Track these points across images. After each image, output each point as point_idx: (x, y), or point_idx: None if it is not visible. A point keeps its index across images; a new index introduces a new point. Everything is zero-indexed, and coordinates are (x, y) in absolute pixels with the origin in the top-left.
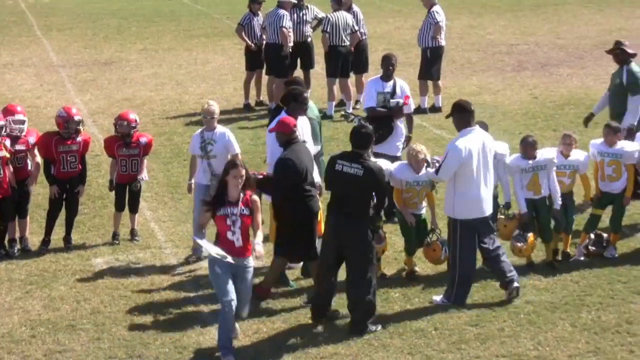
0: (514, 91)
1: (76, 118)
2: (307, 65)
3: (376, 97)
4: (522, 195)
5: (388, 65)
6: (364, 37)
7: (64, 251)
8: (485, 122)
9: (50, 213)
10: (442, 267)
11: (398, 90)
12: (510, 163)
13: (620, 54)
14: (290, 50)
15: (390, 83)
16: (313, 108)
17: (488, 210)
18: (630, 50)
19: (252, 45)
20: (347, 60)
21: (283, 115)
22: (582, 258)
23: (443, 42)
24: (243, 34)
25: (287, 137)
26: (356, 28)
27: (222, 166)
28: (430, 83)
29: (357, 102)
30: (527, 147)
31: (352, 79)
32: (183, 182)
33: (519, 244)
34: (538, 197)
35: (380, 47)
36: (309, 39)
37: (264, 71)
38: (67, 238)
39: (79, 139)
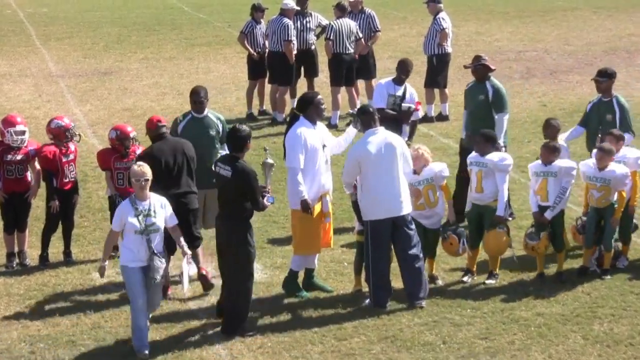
0: (523, 99)
1: (72, 125)
2: (311, 73)
3: (387, 98)
4: (532, 196)
5: (404, 70)
6: (378, 33)
7: (63, 265)
8: (492, 131)
9: (49, 228)
10: (454, 278)
11: (408, 96)
12: (530, 165)
13: (481, 69)
14: (294, 59)
15: (402, 88)
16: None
17: (400, 210)
18: (492, 66)
19: (255, 53)
20: (351, 68)
21: (302, 120)
22: (593, 269)
23: (449, 49)
24: (245, 42)
25: (153, 133)
26: (360, 35)
27: (161, 241)
28: (436, 91)
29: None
30: (545, 151)
31: (361, 84)
32: None
33: (531, 242)
34: (544, 203)
35: (385, 55)
36: (313, 47)
37: (266, 80)
38: (66, 252)
39: (72, 146)
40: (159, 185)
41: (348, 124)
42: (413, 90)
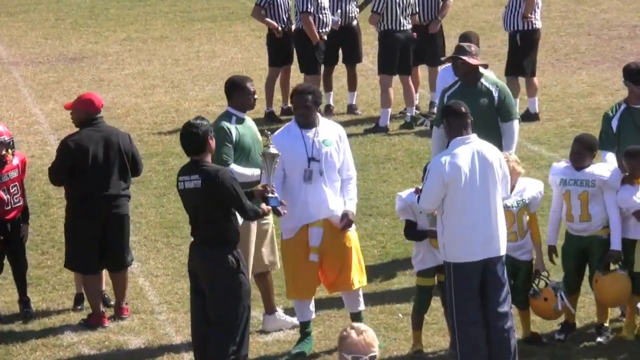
0: None
1: (2, 139)
2: (352, 57)
3: None
4: None
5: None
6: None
7: (19, 319)
8: (592, 135)
9: None
10: (546, 331)
11: None
12: None
13: (463, 67)
14: (326, 37)
15: None
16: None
17: (494, 250)
18: (472, 61)
19: (278, 30)
20: (407, 49)
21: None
22: None
23: (539, 24)
24: (263, 16)
25: (85, 116)
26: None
27: None
28: (522, 80)
29: (431, 104)
30: None
31: (423, 73)
32: (182, 220)
33: None
34: None
35: (453, 32)
36: (354, 22)
37: (293, 67)
38: (22, 300)
39: (15, 161)
40: (82, 185)
41: (412, 118)
42: (489, 73)
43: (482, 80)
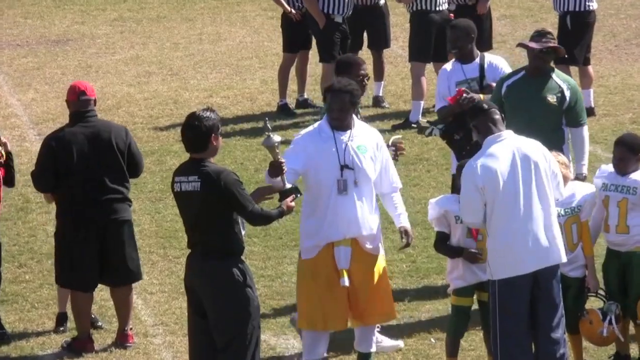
0: None
1: None
2: (379, 42)
3: (455, 89)
4: None
5: (451, 39)
6: None
7: None
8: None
9: None
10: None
11: (488, 73)
12: None
13: (553, 53)
14: (340, 20)
15: (474, 64)
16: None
17: (546, 258)
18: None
19: (293, 12)
20: (443, 33)
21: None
22: None
23: (594, 5)
24: None
25: (71, 108)
26: None
27: None
28: (574, 70)
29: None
30: None
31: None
32: (181, 229)
33: None
34: None
35: (495, 13)
36: (382, 1)
37: (311, 52)
38: None
39: None
40: (70, 189)
41: (417, 129)
42: (498, 60)
43: (553, 75)
